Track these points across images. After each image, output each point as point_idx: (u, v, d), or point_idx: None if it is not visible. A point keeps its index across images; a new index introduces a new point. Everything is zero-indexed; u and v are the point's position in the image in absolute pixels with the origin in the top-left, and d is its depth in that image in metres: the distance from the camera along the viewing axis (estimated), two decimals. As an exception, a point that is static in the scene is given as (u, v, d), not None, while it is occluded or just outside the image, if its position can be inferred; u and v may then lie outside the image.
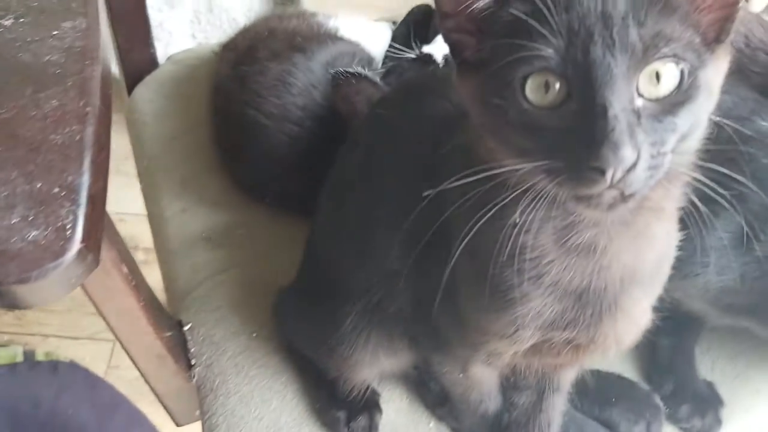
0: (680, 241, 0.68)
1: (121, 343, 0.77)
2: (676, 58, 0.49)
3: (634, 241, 0.58)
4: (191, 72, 1.20)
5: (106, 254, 0.65)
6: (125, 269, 0.68)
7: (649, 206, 0.56)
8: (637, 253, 0.59)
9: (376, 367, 0.78)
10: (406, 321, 0.71)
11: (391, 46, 1.07)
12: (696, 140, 0.54)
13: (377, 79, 0.89)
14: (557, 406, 0.78)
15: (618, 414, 0.88)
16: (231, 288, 0.94)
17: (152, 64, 1.22)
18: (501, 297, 0.60)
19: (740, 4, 0.54)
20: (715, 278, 0.84)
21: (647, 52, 0.48)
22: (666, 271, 0.65)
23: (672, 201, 0.58)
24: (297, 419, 0.84)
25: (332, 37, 1.06)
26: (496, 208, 0.54)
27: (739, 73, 0.97)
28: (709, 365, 0.97)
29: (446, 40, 0.55)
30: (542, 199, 0.52)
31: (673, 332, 0.96)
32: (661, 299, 0.94)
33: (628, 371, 0.95)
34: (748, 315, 0.89)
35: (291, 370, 0.87)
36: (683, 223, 0.69)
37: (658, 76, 0.49)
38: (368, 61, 1.05)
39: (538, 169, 0.49)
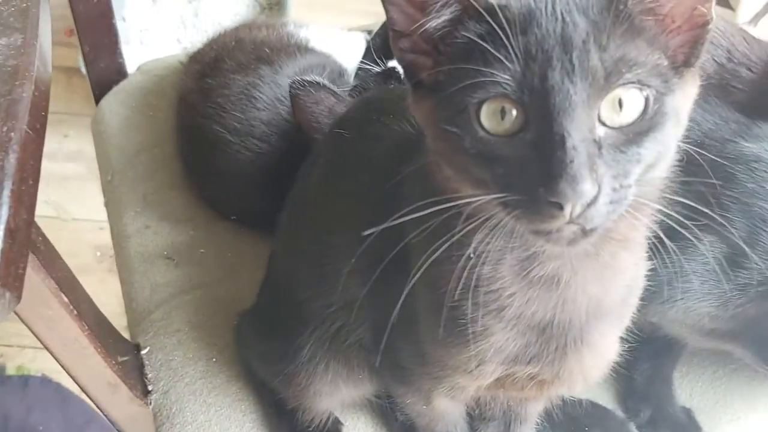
0: (663, 265, 0.64)
1: (68, 372, 0.74)
2: (641, 84, 0.46)
3: (600, 273, 0.55)
4: (159, 82, 1.16)
5: (44, 284, 0.61)
6: (66, 299, 0.64)
7: (614, 237, 0.53)
8: (604, 285, 0.56)
9: (336, 396, 0.75)
10: (366, 351, 0.68)
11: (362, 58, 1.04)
12: (663, 170, 0.51)
13: (336, 88, 0.85)
14: (525, 438, 0.75)
15: (591, 444, 0.85)
16: (191, 310, 0.90)
17: (120, 73, 1.18)
18: (461, 331, 0.57)
19: (711, 26, 0.51)
20: (697, 304, 0.81)
21: (609, 78, 0.45)
22: (634, 302, 0.62)
23: (639, 232, 0.55)
24: (255, 450, 0.81)
25: (302, 49, 1.03)
26: (454, 238, 0.51)
27: (721, 89, 0.94)
28: (688, 391, 0.94)
29: (400, 60, 0.52)
30: (500, 231, 0.49)
31: (651, 357, 0.93)
32: (638, 324, 0.92)
33: (604, 397, 0.92)
34: (731, 340, 0.86)
35: (251, 398, 0.83)
36: (662, 249, 0.66)
37: (621, 103, 0.46)
38: (339, 73, 1.01)
39: (494, 201, 0.46)
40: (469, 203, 0.48)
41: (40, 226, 0.67)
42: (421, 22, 0.49)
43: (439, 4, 0.49)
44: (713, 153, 0.84)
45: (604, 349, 0.60)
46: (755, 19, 1.45)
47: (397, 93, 0.71)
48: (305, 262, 0.71)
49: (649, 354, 0.93)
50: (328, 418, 0.80)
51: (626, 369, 0.92)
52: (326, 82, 0.84)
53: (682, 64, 0.50)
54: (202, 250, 0.96)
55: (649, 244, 0.58)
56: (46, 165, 1.52)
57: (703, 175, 0.82)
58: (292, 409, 0.79)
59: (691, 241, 0.78)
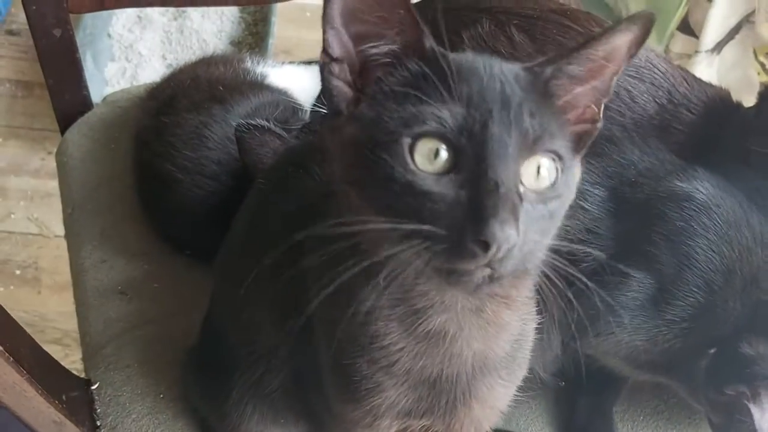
0: (597, 298, 0.68)
1: (11, 413, 0.76)
2: (556, 155, 0.51)
3: (484, 329, 0.58)
4: (123, 114, 1.18)
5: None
6: (1, 347, 0.66)
7: (498, 295, 0.56)
8: (488, 341, 0.58)
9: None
10: (289, 397, 0.70)
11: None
12: (551, 237, 0.54)
13: (281, 130, 0.87)
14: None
15: (527, 481, 0.87)
16: (142, 345, 0.92)
17: (85, 105, 1.21)
18: (356, 386, 0.59)
19: (599, 124, 0.57)
20: (629, 337, 0.84)
21: (536, 143, 0.50)
22: (525, 355, 0.65)
23: (521, 291, 0.58)
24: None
25: (257, 86, 1.05)
26: (353, 296, 0.54)
27: (662, 130, 0.97)
28: (630, 425, 0.96)
29: (325, 84, 0.52)
30: (397, 277, 0.51)
31: (592, 392, 0.95)
32: (575, 358, 0.94)
33: (544, 430, 0.94)
34: (664, 373, 0.89)
35: (197, 437, 0.86)
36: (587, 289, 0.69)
37: (538, 169, 0.50)
38: (293, 111, 1.04)
39: (412, 233, 0.48)
40: (381, 232, 0.49)
41: (23, 244, 0.68)
42: (357, 51, 0.51)
43: (380, 40, 0.51)
44: (647, 192, 0.86)
45: (492, 401, 0.63)
46: (718, 47, 1.48)
47: (315, 145, 0.73)
48: (230, 309, 0.73)
49: (589, 389, 0.95)
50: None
51: (567, 404, 0.95)
52: (271, 125, 0.87)
53: (575, 150, 0.55)
54: (155, 285, 0.99)
55: (572, 282, 0.62)
56: (29, 182, 1.53)
57: (636, 214, 0.85)
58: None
59: (622, 276, 0.82)
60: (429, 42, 0.51)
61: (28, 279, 1.88)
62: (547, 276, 0.54)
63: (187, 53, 2.40)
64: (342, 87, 0.52)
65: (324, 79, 0.52)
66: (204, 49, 2.45)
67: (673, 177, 0.87)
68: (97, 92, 2.01)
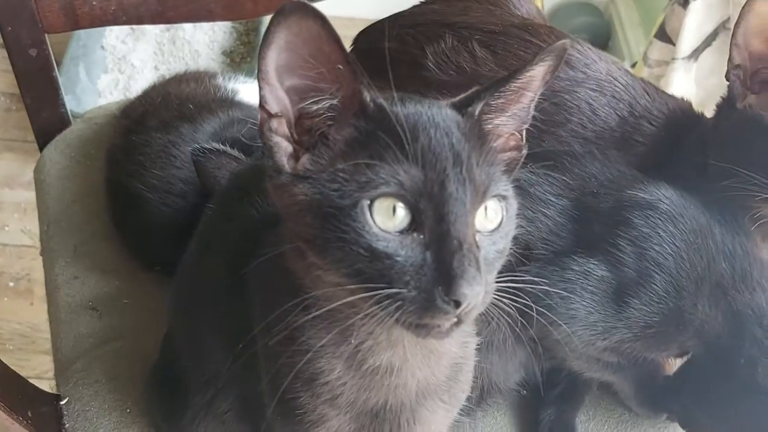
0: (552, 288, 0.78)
1: (-25, 430, 0.78)
2: (500, 195, 0.53)
3: (427, 358, 0.59)
4: (99, 131, 1.20)
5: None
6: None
7: None
8: (431, 368, 0.60)
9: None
10: (239, 421, 0.71)
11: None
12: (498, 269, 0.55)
13: (237, 153, 0.88)
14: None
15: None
16: (111, 361, 0.94)
17: (63, 122, 1.23)
18: (299, 418, 0.60)
19: (524, 151, 0.59)
20: (582, 331, 0.84)
21: (486, 191, 0.51)
22: (466, 377, 0.66)
23: None
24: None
25: (227, 103, 1.07)
26: (295, 332, 0.55)
27: (623, 142, 0.98)
28: (594, 434, 0.97)
29: (265, 141, 0.51)
30: (351, 326, 0.53)
31: (555, 401, 0.96)
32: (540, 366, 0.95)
33: (509, 444, 0.95)
34: (615, 372, 0.90)
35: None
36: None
37: (487, 214, 0.52)
38: (261, 127, 1.05)
39: (377, 295, 0.48)
40: (341, 294, 0.49)
41: (17, 255, 0.69)
42: (296, 107, 0.50)
43: (319, 95, 0.50)
44: (611, 201, 0.88)
45: (434, 425, 0.64)
46: (695, 54, 1.48)
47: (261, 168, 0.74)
48: (182, 332, 0.74)
49: (552, 399, 0.96)
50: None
51: (531, 415, 0.96)
52: (227, 148, 0.88)
53: (507, 178, 0.57)
54: (126, 301, 1.00)
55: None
56: (22, 194, 1.54)
57: (600, 220, 0.86)
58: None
59: (581, 271, 0.83)
60: (369, 96, 0.50)
61: (21, 291, 1.90)
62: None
63: (179, 64, 2.43)
64: (282, 143, 0.51)
65: (263, 136, 0.51)
66: (196, 60, 2.47)
67: (636, 187, 0.88)
68: (90, 104, 2.04)
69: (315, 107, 0.51)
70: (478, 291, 0.47)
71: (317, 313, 0.51)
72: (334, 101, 0.51)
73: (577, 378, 0.95)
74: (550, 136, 0.97)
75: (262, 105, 0.51)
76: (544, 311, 0.84)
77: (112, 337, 0.97)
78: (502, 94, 0.55)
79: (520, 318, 0.83)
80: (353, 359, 0.57)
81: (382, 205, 0.49)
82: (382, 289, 0.48)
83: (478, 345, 0.66)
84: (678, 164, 0.93)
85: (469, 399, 0.87)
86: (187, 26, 2.50)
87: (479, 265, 0.48)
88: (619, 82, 0.98)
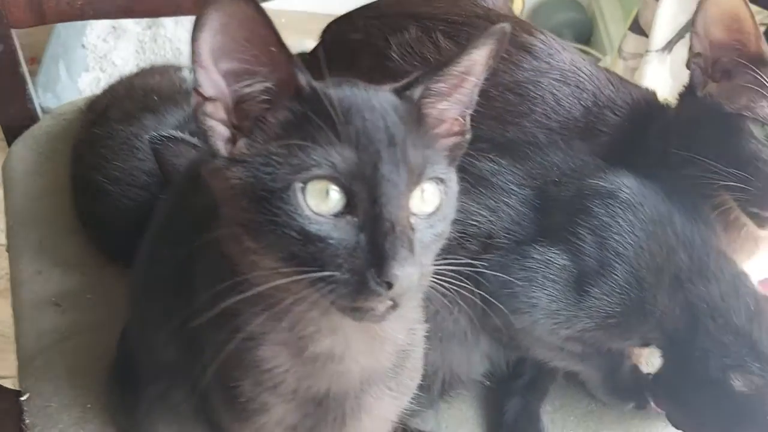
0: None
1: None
2: (438, 179, 0.52)
3: (371, 345, 0.58)
4: (68, 126, 1.19)
5: None
6: None
7: None
8: (374, 355, 0.59)
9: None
10: (195, 412, 0.71)
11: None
12: (436, 252, 0.55)
13: (195, 141, 0.87)
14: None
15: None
16: (72, 356, 0.93)
17: (31, 119, 1.21)
18: (243, 406, 0.60)
19: (467, 136, 0.59)
20: (544, 320, 0.84)
21: (422, 173, 0.51)
22: (416, 364, 0.66)
23: (409, 305, 0.59)
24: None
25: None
26: (235, 319, 0.54)
27: (587, 132, 0.97)
28: (561, 425, 0.97)
29: (200, 125, 0.51)
30: (287, 309, 0.52)
31: (519, 392, 0.95)
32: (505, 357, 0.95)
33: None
34: (580, 362, 0.90)
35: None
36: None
37: (424, 197, 0.52)
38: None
39: (311, 278, 0.48)
40: (276, 278, 0.49)
41: None
42: (230, 89, 0.50)
43: (253, 78, 0.50)
44: (572, 190, 0.87)
45: (381, 412, 0.64)
46: (669, 45, 1.48)
47: None
48: (137, 323, 0.74)
49: (516, 390, 0.95)
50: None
51: (495, 407, 0.96)
52: (185, 135, 0.87)
53: (449, 163, 0.56)
54: (89, 296, 0.99)
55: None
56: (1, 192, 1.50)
57: (561, 209, 0.86)
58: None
59: (542, 260, 0.83)
60: (304, 79, 0.50)
61: (1, 290, 1.89)
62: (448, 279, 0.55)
63: (161, 62, 2.41)
64: (218, 127, 0.51)
65: (198, 120, 0.51)
66: (178, 57, 2.46)
67: (597, 176, 0.88)
68: (70, 103, 2.03)
69: (250, 90, 0.50)
70: (411, 272, 0.47)
71: (249, 293, 0.51)
72: (269, 84, 0.51)
73: (542, 368, 0.95)
74: (513, 127, 0.97)
75: (196, 88, 0.50)
76: (506, 300, 0.84)
77: (74, 332, 0.96)
78: (442, 78, 0.55)
79: (482, 305, 0.83)
80: (294, 346, 0.56)
81: (315, 188, 0.48)
82: (316, 272, 0.48)
83: (427, 332, 0.66)
84: (641, 154, 0.93)
85: (430, 389, 0.88)
86: (169, 24, 2.49)
87: (413, 247, 0.48)
88: (583, 73, 0.98)
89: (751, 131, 0.81)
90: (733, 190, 0.82)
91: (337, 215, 0.49)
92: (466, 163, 0.91)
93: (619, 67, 1.58)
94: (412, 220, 0.50)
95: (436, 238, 0.52)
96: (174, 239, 0.68)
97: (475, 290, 0.86)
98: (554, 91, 0.97)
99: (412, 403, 0.79)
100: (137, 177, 0.96)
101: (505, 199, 0.88)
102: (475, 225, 0.87)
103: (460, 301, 0.80)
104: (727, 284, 0.82)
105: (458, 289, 0.55)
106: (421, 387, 0.86)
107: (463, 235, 0.86)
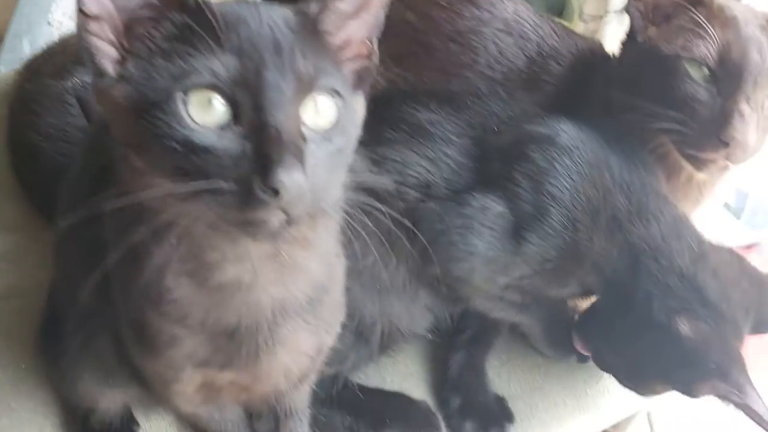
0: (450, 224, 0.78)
1: None
2: (334, 92, 0.51)
3: (281, 274, 0.56)
4: (9, 92, 1.17)
5: None
6: None
7: (292, 238, 0.55)
8: (286, 286, 0.58)
9: (111, 397, 0.76)
10: (118, 358, 0.69)
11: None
12: (342, 175, 0.53)
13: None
14: (296, 431, 0.76)
15: (391, 435, 0.87)
16: (7, 317, 0.91)
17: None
18: (152, 340, 0.58)
19: (375, 60, 0.57)
20: (482, 267, 0.83)
21: (312, 82, 0.49)
22: (336, 300, 0.64)
23: (318, 233, 0.57)
24: (52, 453, 0.82)
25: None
26: (137, 249, 0.53)
27: (531, 82, 0.96)
28: (507, 378, 0.96)
29: (83, 45, 0.49)
30: (189, 234, 0.51)
31: (464, 347, 0.95)
32: (450, 315, 0.94)
33: (420, 389, 0.93)
34: (521, 312, 0.89)
35: (55, 403, 0.85)
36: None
37: (318, 109, 0.50)
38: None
39: (200, 192, 0.47)
40: (166, 195, 0.48)
41: None
42: (115, 8, 0.49)
43: None
44: (510, 138, 0.86)
45: (298, 346, 0.62)
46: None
47: None
48: (58, 270, 0.72)
49: (461, 344, 0.95)
50: (122, 418, 0.81)
51: (440, 360, 0.95)
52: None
53: (356, 87, 0.55)
54: (27, 258, 0.97)
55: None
56: None
57: (499, 156, 0.85)
58: (85, 411, 0.80)
59: (479, 207, 0.82)
60: None
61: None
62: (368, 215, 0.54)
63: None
64: (103, 46, 0.49)
65: (81, 39, 0.49)
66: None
67: (536, 123, 0.87)
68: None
69: (133, 4, 0.49)
70: (298, 179, 0.45)
71: (126, 202, 0.49)
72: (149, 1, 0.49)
73: (485, 322, 0.94)
74: (456, 78, 0.96)
75: (79, 7, 0.49)
76: (444, 248, 0.83)
77: (12, 295, 0.94)
78: None
79: (420, 255, 0.82)
80: (199, 275, 0.55)
81: (197, 98, 0.47)
82: (202, 184, 0.46)
83: (361, 282, 0.65)
84: (584, 103, 0.92)
85: (368, 342, 0.87)
86: None
87: (302, 156, 0.47)
88: (527, 23, 0.97)
89: (688, 72, 0.80)
90: (671, 133, 0.82)
91: (222, 127, 0.47)
92: (405, 114, 0.90)
93: (580, 29, 1.56)
94: (305, 131, 0.49)
95: (335, 154, 0.51)
96: (88, 181, 0.66)
97: (413, 241, 0.85)
98: (497, 41, 0.96)
99: (346, 352, 0.78)
100: (71, 133, 0.94)
101: (445, 149, 0.87)
102: (414, 175, 0.86)
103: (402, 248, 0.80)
104: (668, 226, 0.81)
105: (395, 240, 0.53)
106: (358, 338, 0.86)
107: (401, 185, 0.85)
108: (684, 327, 0.78)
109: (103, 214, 0.58)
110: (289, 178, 0.45)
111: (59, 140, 0.94)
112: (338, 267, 0.64)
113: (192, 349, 0.58)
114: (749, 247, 1.98)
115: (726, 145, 0.78)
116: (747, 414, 0.77)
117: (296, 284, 0.58)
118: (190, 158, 0.47)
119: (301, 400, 0.75)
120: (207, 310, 0.56)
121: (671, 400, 0.88)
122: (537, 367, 0.96)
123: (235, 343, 0.58)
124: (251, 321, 0.57)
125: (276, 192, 0.45)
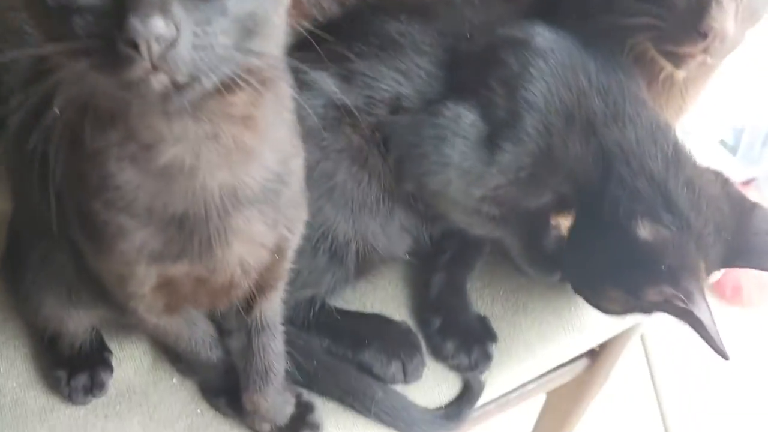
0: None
1: None
2: None
3: (227, 158, 0.53)
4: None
5: None
6: None
7: (233, 115, 0.52)
8: (234, 170, 0.55)
9: (75, 319, 0.75)
10: (80, 274, 0.67)
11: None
12: (270, 43, 0.50)
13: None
14: (269, 347, 0.74)
15: (370, 356, 0.85)
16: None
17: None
18: (101, 234, 0.56)
19: None
20: (457, 180, 0.80)
21: None
22: (295, 193, 0.62)
23: (263, 111, 0.54)
24: (23, 384, 0.81)
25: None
26: (72, 134, 0.51)
27: (505, -8, 0.92)
28: (489, 299, 0.94)
29: None
30: (117, 111, 0.49)
31: (444, 267, 0.93)
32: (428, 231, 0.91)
33: (401, 310, 0.92)
34: (501, 226, 0.86)
35: (26, 335, 0.83)
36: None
37: None
38: None
39: (77, 55, 0.44)
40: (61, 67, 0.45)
41: None
42: None
43: None
44: (484, 43, 0.83)
45: (254, 236, 0.60)
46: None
47: None
48: (15, 187, 0.70)
49: (442, 265, 0.92)
50: (92, 343, 0.80)
51: (421, 283, 0.93)
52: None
53: None
54: None
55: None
56: None
57: (472, 63, 0.82)
58: (54, 338, 0.79)
59: (452, 116, 0.79)
60: None
61: None
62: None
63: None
64: None
65: None
66: None
67: (510, 27, 0.83)
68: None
69: None
70: (157, 28, 0.41)
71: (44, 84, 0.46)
72: None
73: (466, 242, 0.91)
74: (429, -12, 0.92)
75: None
76: (418, 161, 0.81)
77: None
78: None
79: (393, 170, 0.80)
80: (140, 158, 0.52)
81: None
82: (72, 45, 0.43)
83: (334, 200, 0.63)
84: (561, 6, 0.88)
85: (342, 261, 0.84)
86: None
87: (166, 5, 0.42)
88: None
89: (663, -37, 0.76)
90: (649, 29, 0.78)
91: None
92: (374, 27, 0.86)
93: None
94: None
95: (222, 7, 0.45)
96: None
97: (385, 156, 0.82)
98: (471, -53, 0.92)
99: (321, 273, 0.76)
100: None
101: (416, 60, 0.83)
102: (385, 89, 0.83)
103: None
104: (644, 129, 0.78)
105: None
106: (333, 258, 0.84)
107: (371, 99, 0.82)
108: (643, 230, 0.76)
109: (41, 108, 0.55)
110: (143, 27, 0.41)
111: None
112: (296, 159, 0.61)
113: (143, 241, 0.56)
114: (747, 183, 1.96)
115: (704, 36, 0.74)
116: (691, 325, 0.74)
117: (246, 170, 0.55)
118: (59, 20, 0.44)
119: (272, 312, 0.72)
120: (152, 196, 0.54)
121: (665, 323, 0.85)
122: (520, 287, 0.94)
123: (186, 233, 0.56)
124: (199, 208, 0.55)
125: (134, 45, 0.41)
